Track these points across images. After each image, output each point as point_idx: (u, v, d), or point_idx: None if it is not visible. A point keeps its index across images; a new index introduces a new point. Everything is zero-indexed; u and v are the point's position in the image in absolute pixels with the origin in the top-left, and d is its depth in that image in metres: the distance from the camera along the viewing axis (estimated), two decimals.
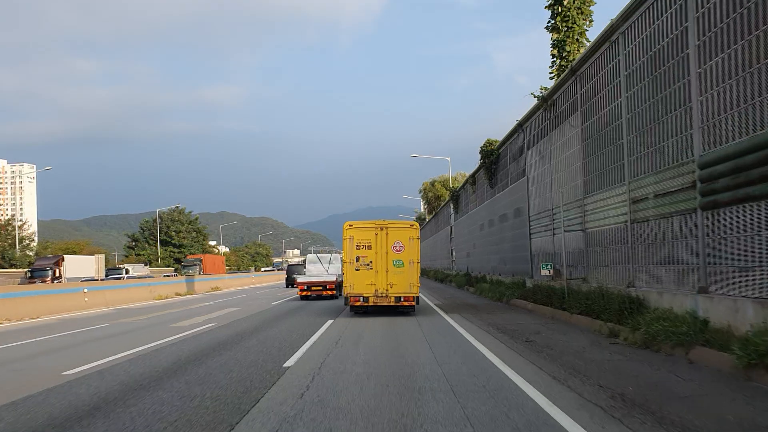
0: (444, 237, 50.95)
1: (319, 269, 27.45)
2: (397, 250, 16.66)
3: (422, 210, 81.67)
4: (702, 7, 9.37)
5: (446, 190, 63.08)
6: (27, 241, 58.81)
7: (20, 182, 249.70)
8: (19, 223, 61.13)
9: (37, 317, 20.23)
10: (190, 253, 65.08)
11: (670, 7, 10.40)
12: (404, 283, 16.52)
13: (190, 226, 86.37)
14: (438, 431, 5.27)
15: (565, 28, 18.05)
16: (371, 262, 16.60)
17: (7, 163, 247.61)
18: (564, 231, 15.47)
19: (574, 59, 16.79)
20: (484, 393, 6.78)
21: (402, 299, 16.48)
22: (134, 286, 30.00)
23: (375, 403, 6.33)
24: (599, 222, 14.26)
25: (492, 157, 25.92)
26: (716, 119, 9.09)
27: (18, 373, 9.13)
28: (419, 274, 17.05)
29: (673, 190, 10.51)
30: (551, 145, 18.02)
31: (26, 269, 40.30)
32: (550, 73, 18.87)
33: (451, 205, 43.81)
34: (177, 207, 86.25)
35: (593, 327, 12.55)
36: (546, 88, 18.09)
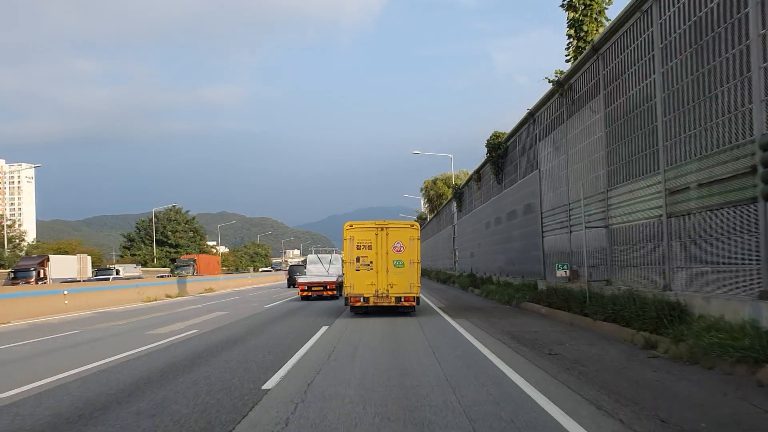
0: (446, 236, 49.38)
1: (320, 269, 27.19)
2: (397, 251, 16.43)
3: (423, 209, 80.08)
4: None
5: (448, 188, 61.51)
6: (17, 241, 57.29)
7: (18, 182, 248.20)
8: (8, 222, 59.47)
9: (8, 322, 18.66)
10: (187, 253, 63.37)
11: None
12: (405, 283, 16.29)
13: (186, 225, 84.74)
14: None
15: (583, 6, 16.50)
16: (372, 262, 16.37)
17: (6, 162, 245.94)
18: (585, 227, 13.90)
19: (593, 39, 15.23)
20: None
21: (402, 299, 16.27)
22: (121, 287, 28.46)
23: None
24: (626, 217, 12.69)
25: (499, 151, 24.36)
26: None
27: None
28: (420, 275, 16.83)
29: (724, 177, 8.95)
30: (568, 134, 16.45)
31: (10, 269, 38.71)
32: (566, 55, 17.32)
33: (454, 204, 42.24)
34: (174, 206, 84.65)
35: (623, 336, 11.00)
36: (561, 72, 16.53)
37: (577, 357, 9.28)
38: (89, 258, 46.26)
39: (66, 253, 54.05)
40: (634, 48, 12.07)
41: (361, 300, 16.36)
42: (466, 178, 36.05)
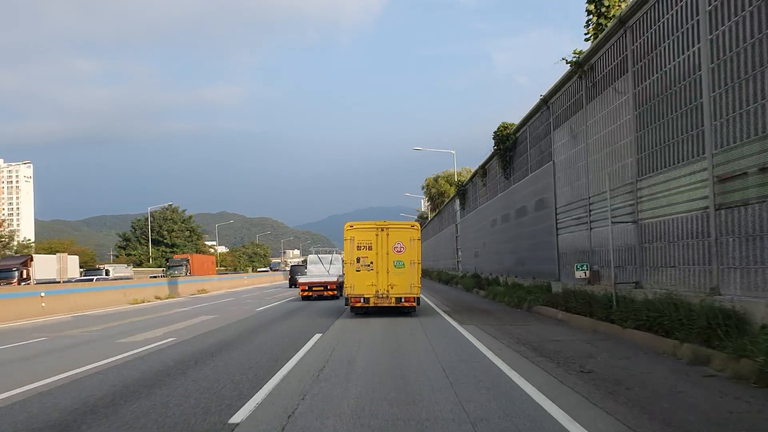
0: (448, 236, 47.82)
1: (320, 270, 27.10)
2: (397, 251, 16.30)
3: (424, 208, 78.56)
4: None
5: (450, 185, 59.93)
6: (6, 240, 55.63)
7: (17, 181, 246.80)
8: None
9: None
10: (183, 253, 61.75)
11: None
12: (405, 283, 16.17)
13: (183, 225, 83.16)
14: None
15: None
16: (372, 262, 16.24)
17: (4, 162, 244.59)
18: (611, 223, 12.31)
19: (616, 13, 13.66)
20: None
21: (403, 300, 16.14)
22: (106, 289, 26.90)
23: None
24: (660, 210, 11.12)
25: (508, 143, 22.79)
26: None
27: None
28: (420, 275, 16.73)
29: None
30: (587, 120, 14.89)
31: None
32: (585, 33, 15.75)
33: (457, 201, 40.68)
34: (170, 206, 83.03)
35: (661, 347, 9.45)
36: (580, 51, 14.96)
37: (616, 375, 7.72)
38: (76, 257, 44.92)
39: (57, 252, 52.49)
40: (671, 16, 10.50)
41: (362, 300, 16.24)
42: (470, 175, 34.50)
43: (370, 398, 6.63)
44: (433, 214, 62.52)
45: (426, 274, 57.88)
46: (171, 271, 43.83)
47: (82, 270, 44.41)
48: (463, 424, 5.44)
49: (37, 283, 27.74)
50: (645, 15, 11.53)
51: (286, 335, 12.92)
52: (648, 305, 10.53)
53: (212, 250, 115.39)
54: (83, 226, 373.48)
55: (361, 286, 16.22)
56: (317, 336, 12.46)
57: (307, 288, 25.69)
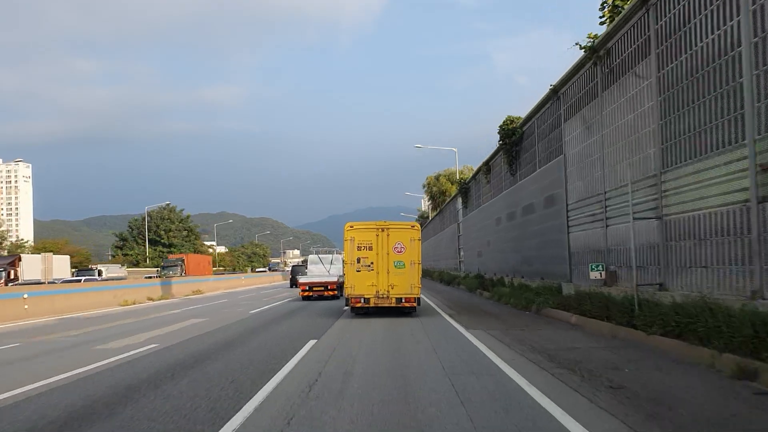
0: (450, 235, 46.79)
1: (321, 270, 27.08)
2: (398, 251, 16.26)
3: (425, 208, 77.52)
4: None
5: (452, 184, 58.85)
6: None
7: (15, 181, 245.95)
8: None
9: None
10: (181, 253, 60.59)
11: None
12: (405, 284, 16.12)
13: (180, 224, 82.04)
14: None
15: None
16: (372, 263, 16.20)
17: (2, 161, 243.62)
18: (633, 219, 11.26)
19: None
20: None
21: (403, 300, 16.09)
22: (95, 290, 25.85)
23: None
24: (689, 205, 10.09)
25: (514, 137, 21.74)
26: None
27: None
28: (420, 275, 16.70)
29: None
30: (603, 109, 13.85)
31: None
32: (601, 16, 14.69)
33: (459, 200, 39.65)
34: (167, 205, 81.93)
35: (696, 357, 8.42)
36: (596, 36, 13.92)
37: (652, 391, 6.69)
38: (66, 257, 43.90)
39: (51, 252, 51.47)
40: None
41: (362, 301, 16.18)
42: (473, 172, 33.46)
43: (368, 421, 5.60)
44: (434, 213, 61.47)
45: (427, 274, 56.83)
46: (165, 272, 42.72)
47: (74, 270, 43.42)
48: None
49: (23, 284, 26.63)
50: None
51: (277, 341, 11.87)
52: (677, 309, 9.49)
53: (211, 251, 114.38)
54: (83, 226, 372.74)
55: (361, 287, 16.14)
56: (311, 343, 11.40)
57: (307, 288, 25.59)
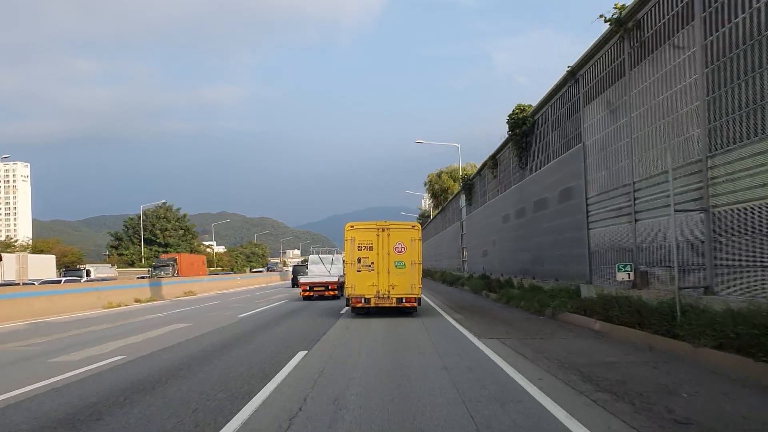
0: (453, 234, 45.24)
1: (321, 270, 27.03)
2: (398, 251, 16.18)
3: (426, 207, 75.95)
4: None
5: (454, 181, 57.24)
6: None
7: (14, 181, 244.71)
8: None
9: None
10: (172, 253, 58.92)
11: None
12: (406, 284, 16.04)
13: (177, 223, 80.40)
14: None
15: None
16: (373, 263, 16.13)
17: (0, 161, 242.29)
18: (674, 211, 9.69)
19: None
20: None
21: (404, 300, 16.00)
22: (76, 291, 24.25)
23: None
24: (746, 194, 8.54)
25: (524, 127, 20.18)
26: None
27: None
28: (421, 276, 16.66)
29: None
30: (631, 89, 12.29)
31: None
32: None
33: (463, 197, 38.10)
34: (164, 203, 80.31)
35: (760, 376, 6.88)
36: (622, 6, 12.35)
37: (732, 429, 5.13)
38: (52, 257, 42.33)
39: (41, 251, 49.94)
40: None
41: (363, 301, 16.11)
42: (478, 167, 31.89)
43: None
44: (436, 211, 59.88)
45: (428, 274, 55.27)
46: (157, 272, 41.10)
47: (61, 270, 41.89)
48: None
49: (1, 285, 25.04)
50: None
51: (261, 353, 10.30)
52: (735, 318, 7.95)
53: (209, 250, 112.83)
54: (83, 226, 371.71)
55: (362, 287, 16.07)
56: (301, 355, 9.84)
57: (308, 288, 25.56)
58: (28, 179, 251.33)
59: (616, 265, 12.35)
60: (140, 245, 72.46)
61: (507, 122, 21.08)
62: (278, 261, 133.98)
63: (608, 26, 12.60)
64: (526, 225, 21.26)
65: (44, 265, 34.31)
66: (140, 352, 10.87)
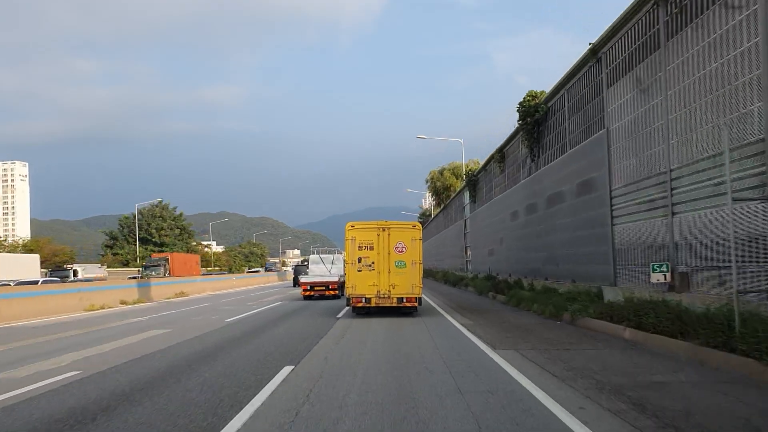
0: (455, 233, 43.69)
1: (322, 269, 27.12)
2: (399, 251, 16.14)
3: (428, 205, 74.42)
4: None
5: (457, 178, 55.66)
6: None
7: (12, 180, 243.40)
8: None
9: None
10: (163, 252, 57.17)
11: None
12: (406, 284, 15.98)
13: (173, 222, 78.78)
14: None
15: None
16: (373, 263, 16.10)
17: None
18: (731, 201, 8.10)
19: None
20: None
21: (404, 300, 15.95)
22: (53, 293, 22.66)
23: None
24: None
25: (537, 116, 18.62)
26: None
27: None
28: (422, 275, 16.58)
29: None
30: (668, 62, 10.73)
31: None
32: None
33: (467, 194, 36.54)
34: (160, 202, 78.72)
35: None
36: None
37: None
38: (36, 256, 40.70)
39: (31, 251, 48.43)
40: None
41: (363, 300, 16.08)
42: (483, 162, 30.31)
43: None
44: (438, 209, 58.30)
45: (430, 274, 53.73)
46: (148, 272, 39.53)
47: (47, 270, 40.31)
48: None
49: None
50: None
51: (240, 369, 8.73)
52: None
53: (207, 250, 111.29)
54: (83, 225, 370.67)
55: (362, 286, 16.03)
56: (285, 372, 8.27)
57: (308, 288, 25.60)
58: (27, 179, 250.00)
59: (651, 265, 10.80)
60: (136, 245, 70.86)
61: (517, 110, 19.51)
62: (277, 261, 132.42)
63: None
64: (538, 222, 19.69)
65: (27, 265, 32.72)
66: (100, 366, 9.30)
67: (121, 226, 77.22)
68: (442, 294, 27.75)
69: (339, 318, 16.57)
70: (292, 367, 8.67)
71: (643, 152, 11.78)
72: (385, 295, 15.92)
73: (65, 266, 42.59)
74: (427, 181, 61.80)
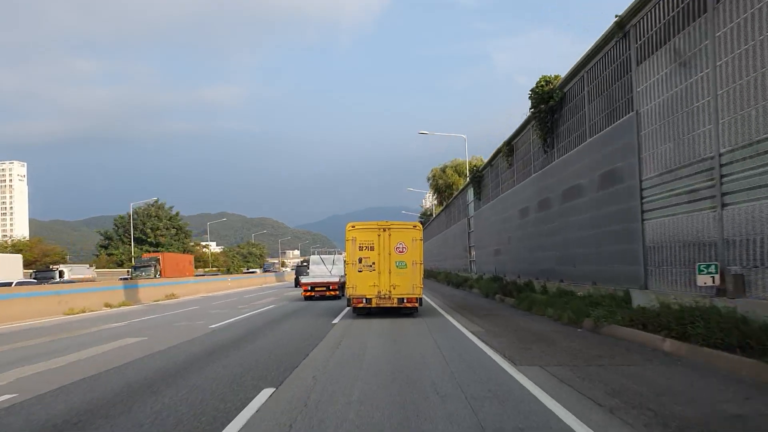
0: (458, 232, 42.13)
1: (323, 270, 27.15)
2: (399, 251, 16.10)
3: (429, 204, 72.87)
4: None
5: (459, 176, 54.16)
6: None
7: (10, 180, 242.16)
8: None
9: None
10: (157, 252, 55.48)
11: None
12: (407, 284, 15.96)
13: (169, 222, 77.16)
14: None
15: None
16: (374, 263, 16.09)
17: None
18: None
19: None
20: None
21: (405, 300, 15.92)
22: (29, 296, 21.07)
23: None
24: None
25: (552, 102, 17.06)
26: None
27: None
28: (423, 276, 16.58)
29: None
30: (716, 28, 9.18)
31: None
32: None
33: (470, 191, 35.00)
34: (155, 201, 77.08)
35: None
36: None
37: None
38: (18, 257, 39.08)
39: (20, 251, 46.90)
40: None
41: (364, 301, 16.02)
42: (489, 157, 28.75)
43: None
44: (440, 208, 56.72)
45: (431, 275, 52.17)
46: (137, 273, 37.96)
47: (33, 271, 38.70)
48: None
49: None
50: None
51: (209, 392, 7.16)
52: None
53: (205, 250, 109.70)
54: (83, 226, 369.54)
55: (363, 287, 16.00)
56: (263, 397, 6.72)
57: (309, 288, 25.68)
58: (25, 179, 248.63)
59: (697, 265, 9.25)
60: (130, 245, 69.28)
61: (529, 97, 17.97)
62: (276, 261, 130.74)
63: None
64: (552, 218, 18.14)
65: (8, 266, 31.16)
66: (42, 387, 7.75)
67: (116, 226, 75.58)
68: (445, 296, 26.23)
69: (335, 324, 15.04)
70: (273, 389, 7.12)
71: (683, 135, 10.23)
72: (386, 296, 15.86)
73: (51, 267, 40.94)
74: (428, 179, 60.10)
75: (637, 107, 11.98)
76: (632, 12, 11.95)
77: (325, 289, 25.55)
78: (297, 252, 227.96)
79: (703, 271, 9.18)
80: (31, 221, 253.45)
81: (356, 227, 16.47)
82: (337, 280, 25.61)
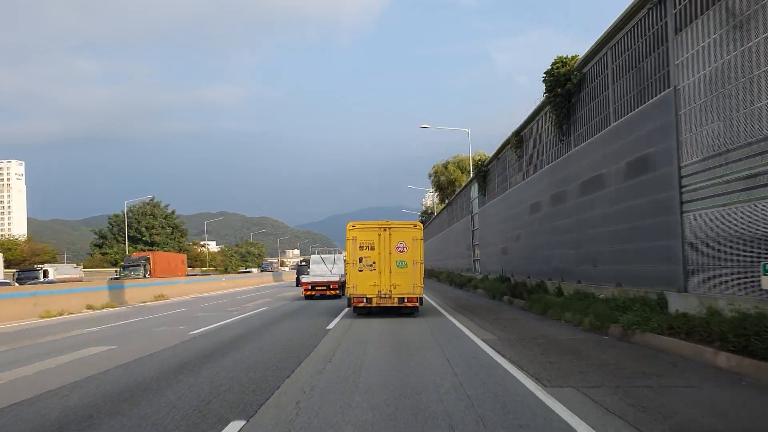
0: (461, 230, 40.57)
1: (323, 269, 27.20)
2: (400, 251, 16.02)
3: (431, 202, 71.28)
4: None
5: (462, 172, 52.60)
6: None
7: (8, 179, 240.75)
8: None
9: None
10: (147, 251, 53.78)
11: None
12: (408, 283, 15.87)
13: (165, 221, 75.57)
14: None
15: None
16: (374, 262, 16.01)
17: None
18: None
19: None
20: None
21: (405, 300, 15.83)
22: (2, 297, 19.54)
23: None
24: None
25: (569, 85, 15.50)
26: None
27: None
28: (423, 275, 16.50)
29: None
30: None
31: None
32: None
33: (475, 187, 33.44)
34: (151, 199, 75.51)
35: None
36: None
37: None
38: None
39: (9, 250, 45.36)
40: None
41: (364, 300, 15.98)
42: (495, 150, 27.18)
43: None
44: (442, 206, 55.14)
45: (433, 275, 50.64)
46: (126, 272, 36.39)
47: (15, 271, 37.17)
48: None
49: None
50: None
51: (161, 427, 5.63)
52: None
53: (203, 249, 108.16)
54: (82, 225, 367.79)
55: (363, 286, 15.95)
56: (238, 425, 5.19)
57: (309, 288, 25.74)
58: (23, 178, 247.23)
59: (762, 264, 7.70)
60: (124, 243, 67.71)
61: (543, 81, 16.41)
62: (275, 261, 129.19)
63: None
64: (568, 213, 16.60)
65: None
66: None
67: (111, 225, 73.98)
68: (448, 297, 24.72)
69: (329, 330, 13.51)
70: (242, 423, 5.56)
71: (736, 111, 8.67)
72: (387, 295, 15.80)
73: (35, 266, 39.28)
74: (430, 176, 58.40)
75: (675, 83, 10.42)
76: None
77: (325, 288, 25.63)
78: (297, 251, 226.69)
79: None
80: (30, 220, 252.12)
81: (357, 227, 16.38)
82: (337, 279, 25.68)
